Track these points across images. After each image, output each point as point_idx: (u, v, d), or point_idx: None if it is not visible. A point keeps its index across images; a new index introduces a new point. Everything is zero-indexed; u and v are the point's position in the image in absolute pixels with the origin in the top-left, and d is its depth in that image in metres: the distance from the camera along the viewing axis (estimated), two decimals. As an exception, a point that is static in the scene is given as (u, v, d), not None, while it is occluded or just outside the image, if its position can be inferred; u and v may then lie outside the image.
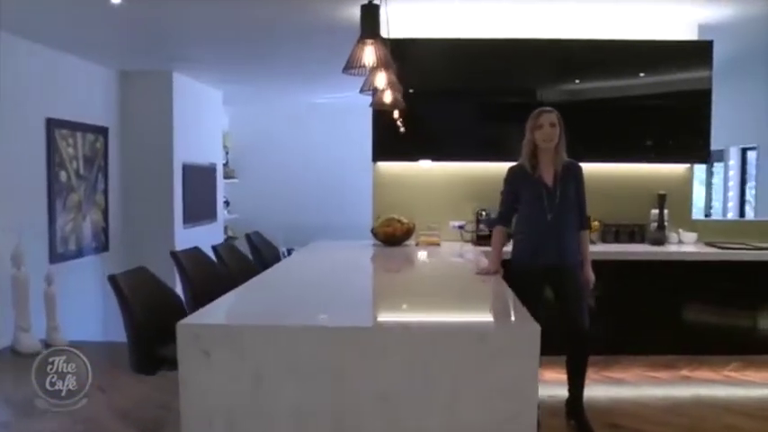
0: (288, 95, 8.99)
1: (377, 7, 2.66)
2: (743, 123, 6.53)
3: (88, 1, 4.34)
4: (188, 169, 7.29)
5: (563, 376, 3.51)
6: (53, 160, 5.68)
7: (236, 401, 2.15)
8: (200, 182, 7.75)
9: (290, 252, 7.08)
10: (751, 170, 7.02)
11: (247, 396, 2.15)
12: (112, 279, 2.63)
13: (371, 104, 3.96)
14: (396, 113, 4.69)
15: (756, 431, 3.57)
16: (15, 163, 5.21)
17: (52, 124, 5.65)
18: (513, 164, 3.54)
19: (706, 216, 7.38)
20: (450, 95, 4.85)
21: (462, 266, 3.92)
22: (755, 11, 4.57)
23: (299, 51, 5.94)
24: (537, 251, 3.45)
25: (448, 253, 4.42)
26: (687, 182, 5.08)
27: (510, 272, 3.43)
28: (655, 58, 4.84)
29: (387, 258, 4.40)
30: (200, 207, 7.75)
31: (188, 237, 7.06)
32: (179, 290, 3.40)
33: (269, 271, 3.56)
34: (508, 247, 3.57)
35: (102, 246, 6.56)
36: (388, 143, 4.89)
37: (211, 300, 2.62)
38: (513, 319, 2.57)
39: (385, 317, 2.76)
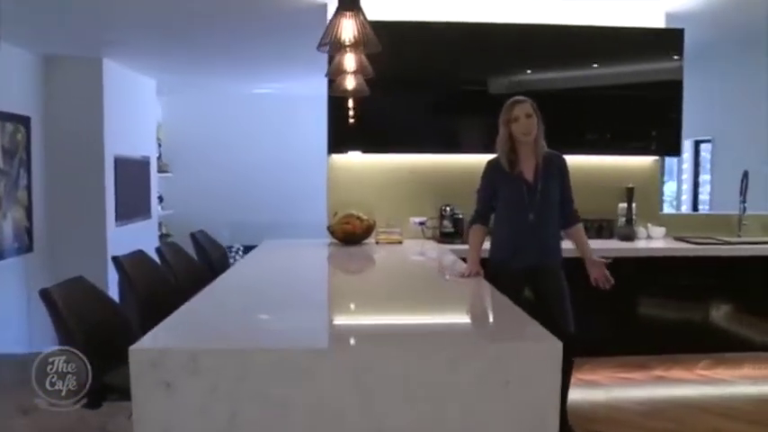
0: (227, 85, 8.47)
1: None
2: (697, 116, 6.47)
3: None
4: (120, 163, 6.74)
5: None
6: (-34, 152, 5.07)
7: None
8: (133, 176, 7.21)
9: (247, 250, 6.58)
10: (705, 163, 7.00)
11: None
12: (45, 294, 2.19)
13: (330, 90, 3.61)
14: (350, 102, 4.37)
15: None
16: None
17: (-37, 112, 5.04)
18: (492, 157, 3.28)
19: (677, 210, 7.31)
20: (402, 83, 4.45)
21: (434, 269, 3.62)
22: (716, 2, 4.46)
23: (239, 37, 5.51)
24: (517, 251, 3.21)
25: (413, 252, 4.12)
26: (655, 175, 4.93)
27: (487, 272, 3.15)
28: (625, 45, 4.65)
29: (348, 259, 4.07)
30: (133, 203, 7.21)
31: (121, 235, 6.56)
32: (115, 296, 2.99)
33: (224, 276, 3.14)
34: (486, 245, 3.31)
35: (26, 247, 5.95)
36: (346, 134, 4.54)
37: (162, 313, 2.20)
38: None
39: (388, 340, 2.19)
